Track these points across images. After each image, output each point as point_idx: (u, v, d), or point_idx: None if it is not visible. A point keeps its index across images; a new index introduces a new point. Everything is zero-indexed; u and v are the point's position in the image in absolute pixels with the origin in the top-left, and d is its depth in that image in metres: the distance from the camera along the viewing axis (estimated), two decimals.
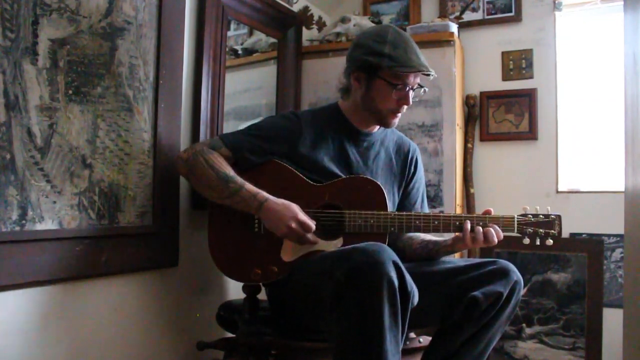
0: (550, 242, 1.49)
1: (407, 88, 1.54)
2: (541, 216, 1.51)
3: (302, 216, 1.46)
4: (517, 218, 1.51)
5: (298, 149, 1.57)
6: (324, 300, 1.26)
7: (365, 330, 1.19)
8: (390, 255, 1.23)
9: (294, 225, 1.44)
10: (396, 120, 1.61)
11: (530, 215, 1.51)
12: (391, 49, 1.51)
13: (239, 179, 1.49)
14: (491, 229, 1.46)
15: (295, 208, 1.47)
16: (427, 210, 1.77)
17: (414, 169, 1.73)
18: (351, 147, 1.63)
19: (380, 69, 1.52)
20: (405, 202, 1.72)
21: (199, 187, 1.54)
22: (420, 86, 1.59)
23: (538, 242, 1.50)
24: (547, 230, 1.50)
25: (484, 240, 1.46)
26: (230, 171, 1.50)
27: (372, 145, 1.67)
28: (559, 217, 1.51)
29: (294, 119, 1.61)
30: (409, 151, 1.74)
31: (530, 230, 1.50)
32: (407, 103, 1.56)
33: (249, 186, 1.49)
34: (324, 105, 1.78)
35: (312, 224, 1.47)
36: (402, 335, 1.24)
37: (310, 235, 1.47)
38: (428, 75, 1.55)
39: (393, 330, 1.20)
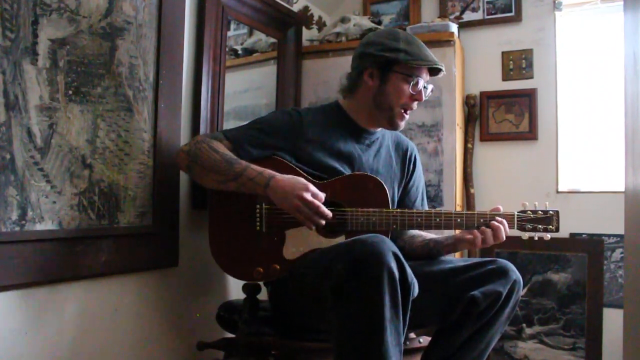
0: (547, 236, 1.53)
1: (421, 83, 1.57)
2: (540, 212, 1.55)
3: (312, 187, 1.45)
4: (517, 215, 1.53)
5: (300, 145, 1.58)
6: (325, 297, 1.26)
7: (366, 321, 1.19)
8: (390, 246, 1.23)
9: (305, 195, 1.41)
10: (404, 123, 1.63)
11: (529, 212, 1.55)
12: (405, 44, 1.56)
13: (244, 161, 1.50)
14: (500, 225, 1.48)
15: (304, 180, 1.46)
16: (427, 208, 1.78)
17: (413, 167, 1.75)
18: (354, 145, 1.64)
19: (396, 63, 1.55)
20: (405, 199, 1.73)
21: (203, 172, 1.51)
22: (427, 86, 1.61)
23: (536, 238, 1.54)
24: (545, 226, 1.54)
25: (493, 239, 1.47)
26: (234, 155, 1.51)
27: (374, 143, 1.68)
28: (556, 212, 1.55)
29: (295, 115, 1.62)
30: (407, 149, 1.75)
31: (529, 226, 1.53)
32: (421, 98, 1.59)
33: (254, 166, 1.49)
34: (323, 104, 1.78)
35: (321, 194, 1.45)
36: (403, 327, 1.24)
37: (322, 209, 1.44)
38: (438, 73, 1.60)
39: (394, 321, 1.20)
